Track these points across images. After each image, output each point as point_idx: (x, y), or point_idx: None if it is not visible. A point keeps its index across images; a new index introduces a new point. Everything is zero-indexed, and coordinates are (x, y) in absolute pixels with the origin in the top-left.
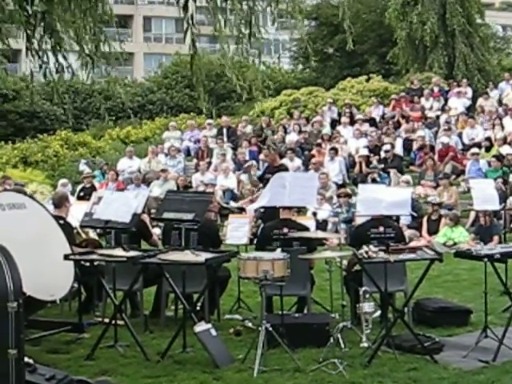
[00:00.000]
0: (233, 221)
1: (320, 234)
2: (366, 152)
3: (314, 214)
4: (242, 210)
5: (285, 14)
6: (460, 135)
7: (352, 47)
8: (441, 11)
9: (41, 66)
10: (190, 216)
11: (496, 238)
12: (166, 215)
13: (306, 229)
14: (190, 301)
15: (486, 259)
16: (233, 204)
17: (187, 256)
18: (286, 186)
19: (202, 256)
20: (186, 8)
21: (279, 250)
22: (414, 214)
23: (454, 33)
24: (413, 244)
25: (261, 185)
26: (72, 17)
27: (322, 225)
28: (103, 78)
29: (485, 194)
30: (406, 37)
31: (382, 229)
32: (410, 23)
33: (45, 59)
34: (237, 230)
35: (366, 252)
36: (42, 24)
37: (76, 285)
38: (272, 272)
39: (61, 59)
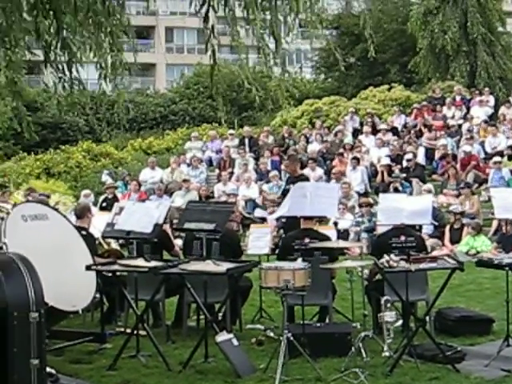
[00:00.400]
0: (254, 231)
1: (341, 244)
2: (387, 161)
3: (335, 223)
4: (264, 219)
5: (305, 23)
6: (482, 144)
7: (374, 56)
8: (462, 20)
9: (60, 79)
10: (211, 226)
11: None
12: (187, 225)
13: (328, 238)
14: (211, 311)
15: (507, 268)
16: (258, 213)
17: (208, 266)
18: (306, 195)
19: (224, 266)
20: (206, 19)
21: (300, 259)
22: (435, 223)
23: (475, 41)
24: (435, 253)
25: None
26: (87, 29)
27: (343, 234)
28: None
29: (506, 203)
30: (428, 46)
31: (403, 238)
32: (432, 32)
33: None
34: (258, 240)
35: (387, 261)
36: (57, 37)
37: (98, 295)
38: (293, 282)
39: (75, 72)
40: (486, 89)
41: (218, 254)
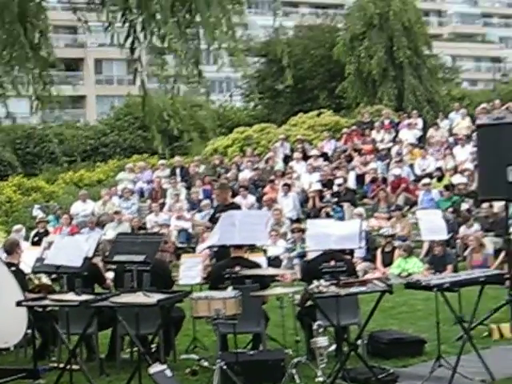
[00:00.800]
0: (185, 261)
1: (271, 271)
2: (319, 186)
3: (265, 251)
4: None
5: (230, 51)
6: (412, 166)
7: (292, 83)
8: (388, 44)
9: None
10: (141, 258)
11: (450, 267)
12: (117, 258)
13: (258, 266)
14: (145, 342)
15: (435, 289)
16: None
17: (139, 298)
18: (235, 224)
19: (155, 297)
20: (132, 50)
21: (231, 288)
22: (363, 246)
23: (402, 65)
24: (368, 276)
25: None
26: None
27: (275, 261)
28: (52, 121)
29: (432, 225)
30: (355, 71)
31: (333, 263)
32: (358, 57)
33: None
34: (190, 270)
35: (317, 287)
36: None
37: (30, 331)
38: (224, 310)
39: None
40: (414, 112)
41: (150, 285)
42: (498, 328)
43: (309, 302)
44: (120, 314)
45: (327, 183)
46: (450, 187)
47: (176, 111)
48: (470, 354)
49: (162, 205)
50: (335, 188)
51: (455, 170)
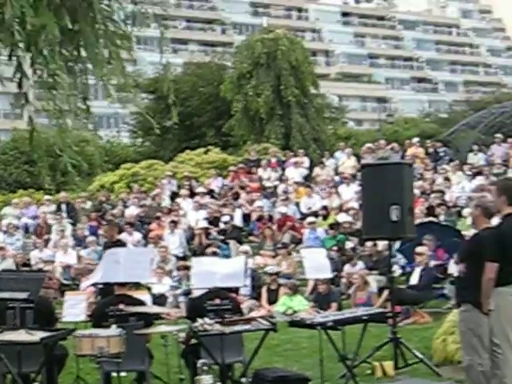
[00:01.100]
0: (69, 298)
1: (156, 309)
2: (205, 224)
3: (149, 288)
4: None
5: (119, 88)
6: (298, 204)
7: (177, 120)
8: (276, 83)
9: None
10: (24, 295)
11: (334, 305)
12: None
13: (142, 303)
14: (27, 381)
15: (319, 327)
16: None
17: (22, 335)
18: (119, 261)
19: (38, 335)
20: (20, 85)
21: (114, 326)
22: (248, 284)
23: (289, 104)
24: (253, 314)
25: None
26: None
27: (161, 299)
28: None
29: (317, 263)
30: (243, 109)
31: (218, 301)
32: (246, 95)
33: None
34: (74, 307)
35: (202, 325)
36: None
37: None
38: (108, 348)
39: None
40: (301, 150)
41: (33, 323)
42: (380, 366)
43: (193, 340)
44: (2, 352)
45: (213, 220)
46: (335, 226)
47: (67, 145)
48: None
49: (47, 241)
50: (221, 225)
51: (340, 209)
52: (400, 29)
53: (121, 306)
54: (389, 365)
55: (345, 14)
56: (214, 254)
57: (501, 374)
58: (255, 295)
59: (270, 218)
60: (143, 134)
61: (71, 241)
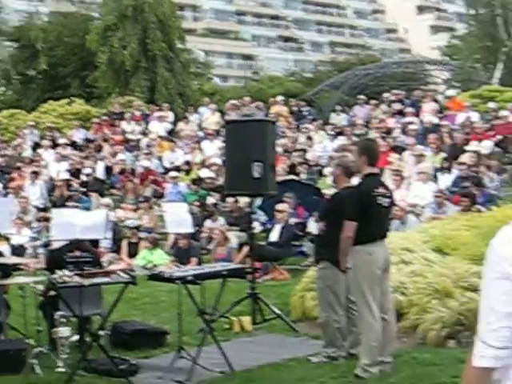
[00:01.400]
0: None
1: (14, 259)
2: (67, 175)
3: (8, 239)
4: None
5: None
6: (160, 159)
7: (45, 68)
8: (142, 36)
9: None
10: None
11: (194, 259)
12: None
13: (0, 254)
14: None
15: (178, 281)
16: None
17: None
18: None
19: None
20: None
21: None
22: (108, 237)
23: (155, 57)
24: (112, 267)
25: None
26: None
27: (19, 250)
28: None
29: (178, 218)
30: (107, 61)
31: (78, 253)
32: (111, 47)
33: None
34: None
35: (61, 277)
36: None
37: None
38: None
39: None
40: (166, 104)
41: None
42: (238, 321)
43: (52, 292)
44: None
45: (75, 172)
46: (197, 181)
47: None
48: (211, 345)
49: None
50: (83, 177)
51: (203, 164)
52: None
53: None
54: (247, 320)
55: None
56: (75, 206)
57: (356, 331)
58: (115, 248)
59: (133, 172)
60: (6, 82)
61: None
